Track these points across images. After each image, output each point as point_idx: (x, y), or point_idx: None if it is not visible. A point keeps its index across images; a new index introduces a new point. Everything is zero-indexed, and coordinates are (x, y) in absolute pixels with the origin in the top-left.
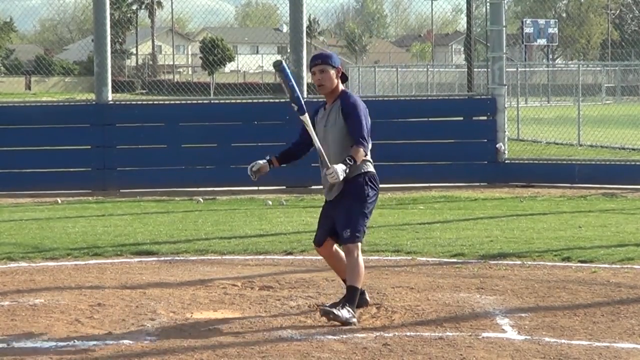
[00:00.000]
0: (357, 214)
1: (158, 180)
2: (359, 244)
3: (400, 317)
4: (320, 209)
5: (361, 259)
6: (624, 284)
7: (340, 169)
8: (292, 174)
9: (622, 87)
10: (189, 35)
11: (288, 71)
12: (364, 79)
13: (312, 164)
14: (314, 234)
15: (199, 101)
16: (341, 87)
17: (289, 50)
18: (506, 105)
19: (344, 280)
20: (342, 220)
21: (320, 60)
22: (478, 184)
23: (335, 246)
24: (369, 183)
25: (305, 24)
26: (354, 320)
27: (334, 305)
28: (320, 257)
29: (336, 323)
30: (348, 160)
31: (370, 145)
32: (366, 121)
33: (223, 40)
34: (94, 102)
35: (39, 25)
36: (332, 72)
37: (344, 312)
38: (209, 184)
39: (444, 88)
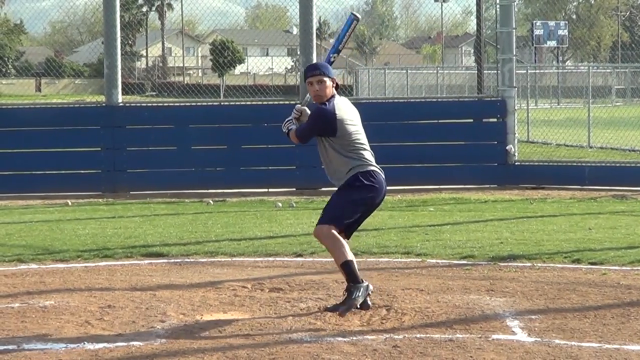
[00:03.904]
0: (338, 200)
1: (168, 182)
2: (330, 227)
3: (410, 319)
4: None
5: (335, 235)
6: (635, 286)
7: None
8: (302, 176)
9: (632, 89)
10: (199, 37)
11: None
12: (374, 81)
13: (322, 166)
14: None
15: (209, 103)
16: (334, 92)
17: (298, 53)
18: (516, 107)
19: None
20: (325, 206)
21: (319, 71)
22: (488, 185)
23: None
24: (359, 178)
25: (315, 26)
26: (367, 285)
27: (347, 297)
28: (330, 259)
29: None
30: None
31: (364, 146)
32: (315, 127)
33: (233, 42)
34: (104, 104)
35: (49, 28)
36: (329, 82)
37: (357, 293)
38: (219, 186)
39: (454, 90)
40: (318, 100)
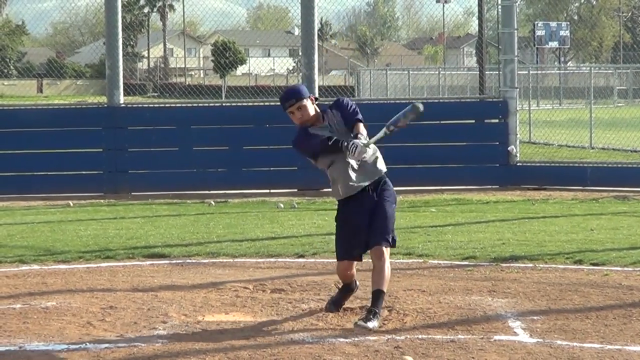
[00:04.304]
0: (393, 219)
1: (170, 183)
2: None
3: (412, 320)
4: (340, 216)
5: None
6: (636, 286)
7: (357, 141)
8: (303, 177)
9: (634, 90)
10: (201, 38)
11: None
12: (375, 82)
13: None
14: (328, 235)
15: (211, 104)
16: (319, 110)
17: (300, 53)
18: (518, 108)
19: (345, 285)
20: (384, 223)
21: (295, 99)
22: (490, 186)
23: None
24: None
25: (316, 26)
26: (380, 318)
27: (366, 319)
28: (331, 260)
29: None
30: (359, 136)
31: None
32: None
33: (235, 43)
34: (105, 105)
35: (51, 28)
36: (307, 102)
37: (374, 323)
38: (221, 187)
39: (456, 91)
40: (306, 124)
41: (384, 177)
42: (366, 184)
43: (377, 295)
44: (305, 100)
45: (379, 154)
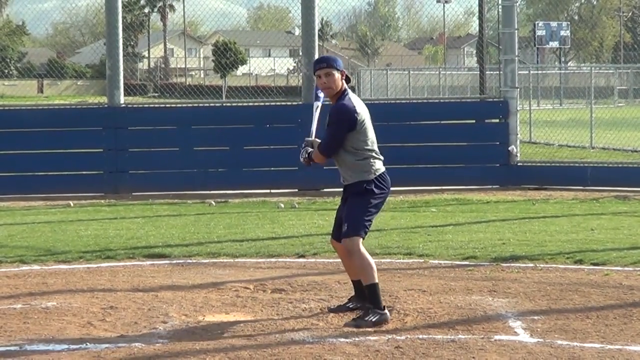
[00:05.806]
0: (357, 209)
1: (170, 183)
2: (359, 239)
3: (412, 320)
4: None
5: (365, 253)
6: (637, 286)
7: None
8: (304, 177)
9: (634, 90)
10: (201, 38)
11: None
12: (376, 82)
13: (324, 167)
14: (328, 235)
15: (211, 104)
16: (345, 86)
17: (300, 54)
18: (518, 108)
19: (353, 282)
20: (345, 216)
21: (326, 64)
22: (490, 186)
23: None
24: (372, 184)
25: (317, 27)
26: (386, 314)
27: (362, 316)
28: (332, 260)
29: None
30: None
31: (372, 149)
32: (341, 126)
33: (235, 44)
34: (106, 105)
35: (51, 29)
36: (337, 75)
37: (372, 318)
38: (221, 187)
39: (456, 91)
40: (328, 94)
41: (363, 183)
42: (345, 182)
43: (367, 291)
44: (336, 71)
45: (362, 168)
